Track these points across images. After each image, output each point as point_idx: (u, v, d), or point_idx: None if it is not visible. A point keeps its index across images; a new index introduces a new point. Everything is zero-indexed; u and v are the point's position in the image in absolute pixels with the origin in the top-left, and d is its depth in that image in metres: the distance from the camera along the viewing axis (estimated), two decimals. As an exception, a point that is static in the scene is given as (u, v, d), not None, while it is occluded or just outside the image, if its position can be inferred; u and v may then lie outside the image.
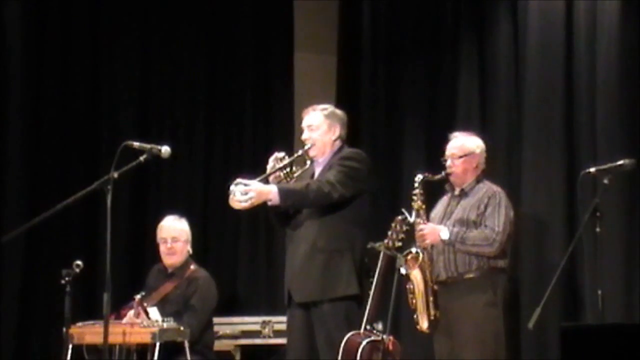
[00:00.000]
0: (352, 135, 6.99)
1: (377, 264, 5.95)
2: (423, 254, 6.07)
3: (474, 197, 6.15)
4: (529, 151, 6.92)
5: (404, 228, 6.05)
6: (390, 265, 5.98)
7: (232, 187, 5.51)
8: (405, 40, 7.83)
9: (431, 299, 6.04)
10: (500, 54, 7.21)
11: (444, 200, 6.32)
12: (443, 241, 6.05)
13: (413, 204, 6.09)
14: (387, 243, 5.99)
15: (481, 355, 5.95)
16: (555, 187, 6.76)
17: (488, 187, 6.18)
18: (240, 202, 5.51)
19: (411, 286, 6.06)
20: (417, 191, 6.11)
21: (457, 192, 6.24)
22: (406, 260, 6.00)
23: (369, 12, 8.11)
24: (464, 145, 6.24)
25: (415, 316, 6.06)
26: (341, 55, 8.39)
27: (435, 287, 6.07)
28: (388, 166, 7.68)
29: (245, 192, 5.49)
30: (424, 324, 6.05)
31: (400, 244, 6.04)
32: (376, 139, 7.94)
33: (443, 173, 6.19)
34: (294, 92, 8.21)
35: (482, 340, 5.98)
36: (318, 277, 5.66)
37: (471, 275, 6.05)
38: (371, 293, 5.84)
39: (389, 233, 6.04)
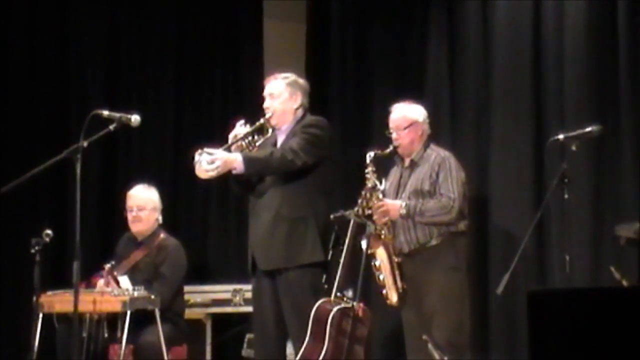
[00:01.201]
0: (321, 103, 7.03)
1: (347, 232, 5.96)
2: (384, 230, 6.11)
3: (425, 166, 6.18)
4: (497, 118, 6.95)
5: (374, 195, 6.10)
6: (361, 233, 6.01)
7: (197, 157, 5.51)
8: (374, 7, 7.81)
9: (397, 272, 6.09)
10: (469, 20, 7.20)
11: (395, 172, 6.35)
12: (402, 215, 6.09)
13: (367, 182, 6.12)
14: (357, 211, 6.04)
15: (447, 319, 6.01)
16: (524, 153, 6.79)
17: (436, 154, 6.21)
18: (207, 171, 5.51)
19: (376, 263, 6.10)
20: (369, 169, 6.13)
21: (407, 163, 6.29)
22: (369, 240, 6.02)
23: (338, -21, 8.13)
24: (406, 116, 6.27)
25: (384, 292, 6.10)
26: (310, 22, 8.36)
27: (399, 259, 6.12)
28: (357, 134, 7.70)
29: (211, 161, 5.50)
30: (393, 298, 6.08)
31: (370, 211, 6.09)
32: (345, 106, 7.93)
33: (391, 146, 6.21)
34: (263, 60, 8.16)
35: (447, 304, 6.04)
36: (282, 245, 5.67)
37: (433, 243, 6.12)
38: (341, 261, 5.87)
39: (359, 201, 6.09)
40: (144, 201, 6.81)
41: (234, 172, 5.61)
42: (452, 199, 6.06)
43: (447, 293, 6.05)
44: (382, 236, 6.10)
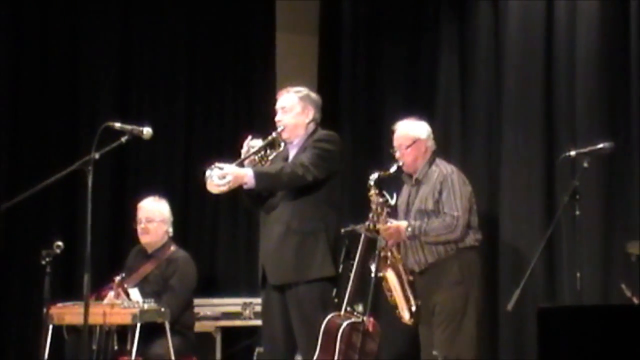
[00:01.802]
0: (332, 116, 7.04)
1: (357, 246, 6.02)
2: (391, 252, 6.13)
3: (428, 185, 6.19)
4: (508, 134, 6.94)
5: (385, 210, 6.11)
6: (371, 247, 6.04)
7: (208, 172, 5.52)
8: (386, 20, 7.84)
9: (409, 291, 6.11)
10: (481, 34, 7.23)
11: (405, 190, 6.36)
12: (408, 237, 6.11)
13: (372, 204, 6.11)
14: (368, 225, 6.06)
15: (452, 334, 6.02)
16: (535, 169, 6.78)
17: (439, 171, 6.20)
18: (219, 186, 5.52)
19: (387, 285, 6.12)
20: (372, 192, 6.13)
21: (413, 181, 6.30)
22: (378, 262, 6.05)
23: (350, -8, 8.16)
24: (408, 134, 6.28)
25: (397, 312, 6.13)
26: (322, 36, 8.40)
27: (411, 277, 6.14)
28: (368, 147, 7.71)
29: (222, 176, 5.50)
30: (406, 317, 6.12)
31: (380, 226, 6.09)
32: (356, 119, 7.98)
33: (395, 166, 6.21)
34: (275, 73, 8.21)
35: (450, 319, 6.06)
36: (293, 259, 5.67)
37: (440, 260, 6.14)
38: (352, 275, 5.91)
39: (370, 215, 6.10)
40: (152, 213, 6.84)
41: (245, 187, 5.62)
42: (456, 217, 6.06)
43: (450, 307, 6.07)
44: (389, 260, 6.10)
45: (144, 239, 6.84)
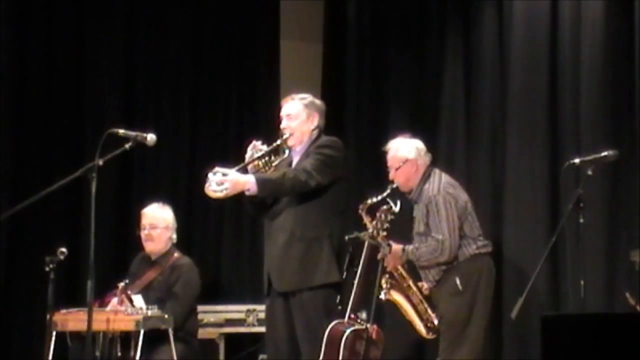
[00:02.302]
0: (336, 124, 7.05)
1: (361, 253, 6.03)
2: (395, 273, 6.19)
3: (420, 206, 6.22)
4: (513, 142, 6.94)
5: (389, 217, 6.12)
6: (375, 255, 6.04)
7: (210, 176, 5.53)
8: (391, 28, 7.84)
9: (425, 306, 6.18)
10: (485, 43, 7.23)
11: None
12: (404, 262, 6.18)
13: (368, 229, 6.13)
14: (372, 232, 6.09)
15: (453, 343, 6.05)
16: (539, 177, 6.78)
17: (426, 192, 6.20)
18: (215, 191, 5.53)
19: (398, 306, 6.19)
20: (366, 220, 6.18)
21: (412, 200, 6.33)
22: (383, 286, 6.10)
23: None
24: (396, 156, 6.33)
25: (416, 328, 6.20)
26: (327, 43, 8.40)
27: (426, 291, 6.20)
28: (372, 156, 7.71)
29: (220, 183, 5.50)
30: (423, 332, 6.21)
31: (384, 233, 6.12)
32: (361, 127, 7.97)
33: (389, 188, 6.25)
34: (279, 79, 8.22)
35: (450, 330, 6.08)
36: (297, 266, 5.67)
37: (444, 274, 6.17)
38: (355, 282, 5.91)
39: (374, 222, 6.13)
40: (156, 220, 6.84)
41: (247, 193, 5.62)
42: (440, 240, 6.09)
43: (451, 319, 6.11)
44: (388, 283, 6.15)
45: (147, 245, 6.85)
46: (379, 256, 6.06)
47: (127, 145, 5.33)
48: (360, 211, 6.20)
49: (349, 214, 6.18)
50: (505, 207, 6.92)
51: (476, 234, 6.21)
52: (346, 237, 6.01)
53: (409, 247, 6.15)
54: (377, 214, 6.14)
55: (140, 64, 8.02)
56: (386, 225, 6.14)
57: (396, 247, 6.17)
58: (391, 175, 6.29)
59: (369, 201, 6.19)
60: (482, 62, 7.26)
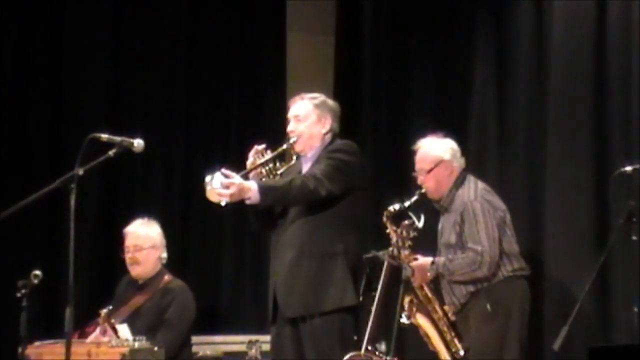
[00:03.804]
0: (351, 128, 7.01)
1: (379, 275, 5.98)
2: (421, 292, 6.20)
3: (452, 214, 6.22)
4: (553, 148, 6.91)
5: (411, 234, 6.09)
6: (396, 277, 6.00)
7: (208, 178, 5.51)
8: (412, 17, 7.85)
9: (451, 335, 6.19)
10: (521, 35, 7.20)
11: (440, 219, 6.40)
12: (432, 277, 6.18)
13: (392, 238, 6.10)
14: (392, 251, 6.05)
15: None
16: (584, 188, 6.74)
17: (461, 198, 6.20)
18: (220, 195, 5.49)
19: (423, 331, 6.20)
20: (389, 229, 6.14)
21: (441, 208, 6.32)
22: (407, 307, 6.11)
23: (371, -14, 8.17)
24: (428, 156, 6.32)
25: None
26: (339, 36, 8.43)
27: (453, 317, 6.19)
28: (391, 162, 7.67)
29: (226, 186, 5.46)
30: None
31: (406, 252, 6.10)
32: (379, 131, 8.01)
33: (417, 194, 6.22)
34: (286, 77, 8.25)
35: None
36: (308, 287, 5.66)
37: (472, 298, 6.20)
38: (373, 309, 5.87)
39: (394, 240, 6.09)
40: (140, 240, 6.86)
41: (247, 202, 5.58)
42: (480, 252, 6.08)
43: (480, 350, 6.10)
44: (415, 303, 6.13)
45: (133, 270, 6.86)
46: (403, 277, 6.00)
47: (111, 152, 5.32)
48: (384, 219, 6.18)
49: (365, 228, 6.12)
50: (545, 222, 6.88)
51: (515, 251, 6.22)
52: (363, 257, 5.98)
53: (440, 260, 6.13)
54: (398, 230, 6.12)
55: (127, 59, 8.06)
56: (408, 243, 6.11)
57: (424, 260, 6.15)
58: (420, 179, 6.27)
59: (394, 208, 6.15)
60: (517, 56, 7.24)
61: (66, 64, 7.88)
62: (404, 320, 6.07)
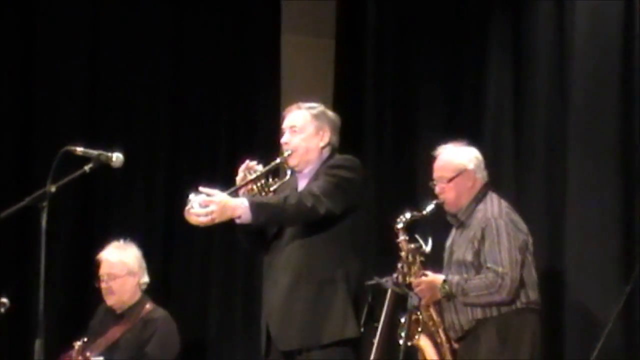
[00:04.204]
0: (352, 141, 6.99)
1: (383, 305, 6.02)
2: (427, 314, 6.17)
3: (471, 230, 6.19)
4: (575, 160, 6.88)
5: (418, 259, 6.09)
6: (400, 306, 5.99)
7: (191, 196, 5.45)
8: (420, 18, 7.85)
9: None
10: (540, 37, 7.19)
11: (451, 234, 6.38)
12: (442, 296, 6.13)
13: (402, 252, 6.13)
14: (396, 278, 6.07)
15: None
16: (608, 208, 6.69)
17: (483, 213, 6.18)
18: (198, 215, 5.43)
19: (422, 356, 6.13)
20: (401, 238, 6.14)
21: (457, 222, 6.29)
22: (409, 326, 6.00)
23: (375, -16, 8.17)
24: (451, 163, 6.28)
25: None
26: (340, 38, 8.41)
27: (456, 345, 6.16)
28: (398, 177, 7.64)
29: (204, 205, 5.41)
30: None
31: (412, 279, 6.10)
32: (383, 144, 7.99)
33: (433, 204, 6.20)
34: (280, 83, 8.24)
35: None
36: (305, 317, 5.59)
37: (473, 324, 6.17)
38: (375, 341, 5.95)
39: (399, 265, 6.10)
40: (115, 267, 6.90)
41: (237, 221, 5.53)
42: (500, 274, 6.03)
43: None
44: (421, 323, 6.11)
45: (108, 300, 6.90)
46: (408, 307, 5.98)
47: (87, 167, 5.26)
48: (397, 226, 6.16)
49: (368, 252, 6.11)
50: (566, 247, 6.85)
51: (533, 281, 6.17)
52: (365, 284, 5.93)
53: (454, 278, 6.08)
54: (404, 254, 6.13)
55: (105, 65, 8.00)
56: (415, 269, 6.12)
57: (434, 277, 6.12)
58: (439, 189, 6.23)
59: (409, 215, 6.15)
60: (536, 61, 7.20)
61: (38, 66, 7.88)
62: (403, 340, 6.02)
